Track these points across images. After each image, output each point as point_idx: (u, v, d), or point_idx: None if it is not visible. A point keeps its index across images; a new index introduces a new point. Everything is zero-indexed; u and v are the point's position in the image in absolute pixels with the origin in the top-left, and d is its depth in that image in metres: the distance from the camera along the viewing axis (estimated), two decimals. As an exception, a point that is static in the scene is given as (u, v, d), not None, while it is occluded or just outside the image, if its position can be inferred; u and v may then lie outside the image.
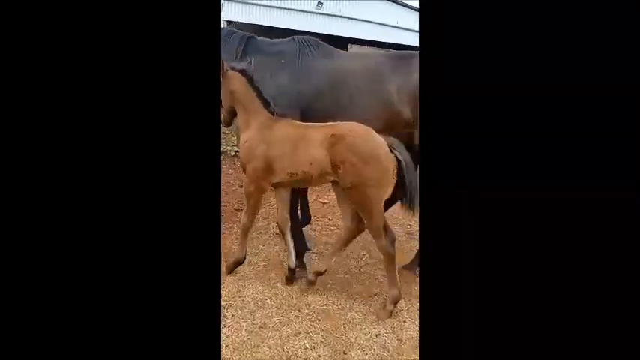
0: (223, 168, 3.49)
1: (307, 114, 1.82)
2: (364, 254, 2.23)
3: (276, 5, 10.79)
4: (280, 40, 2.03)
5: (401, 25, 11.70)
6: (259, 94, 1.72)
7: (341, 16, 11.15)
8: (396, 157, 1.53)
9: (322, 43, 1.98)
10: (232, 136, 4.40)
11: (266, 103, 1.71)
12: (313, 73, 1.85)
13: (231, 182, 3.21)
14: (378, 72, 1.81)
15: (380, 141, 1.53)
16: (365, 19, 11.39)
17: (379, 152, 1.49)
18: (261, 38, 2.01)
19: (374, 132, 1.55)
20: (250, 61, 1.85)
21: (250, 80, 1.72)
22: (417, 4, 11.41)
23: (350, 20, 11.28)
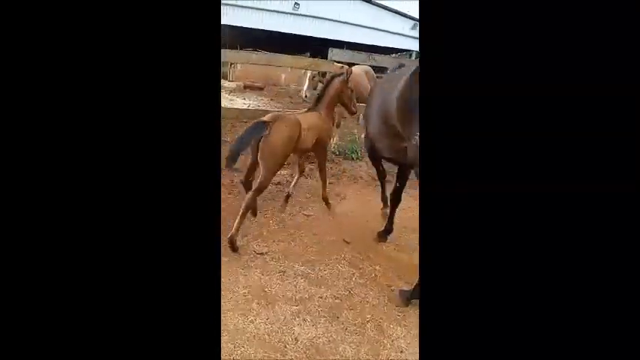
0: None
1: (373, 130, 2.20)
2: (353, 273, 2.07)
3: (252, 6, 10.49)
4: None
5: (382, 27, 11.72)
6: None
7: (318, 17, 11.03)
8: None
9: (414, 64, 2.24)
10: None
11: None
12: (383, 91, 2.09)
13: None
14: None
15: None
16: (342, 20, 11.33)
17: None
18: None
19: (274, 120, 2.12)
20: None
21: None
22: (394, 6, 11.47)
23: (327, 21, 11.18)
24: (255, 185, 2.11)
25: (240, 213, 2.05)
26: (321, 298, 1.82)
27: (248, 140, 2.05)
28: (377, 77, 4.87)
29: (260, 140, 2.04)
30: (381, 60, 4.24)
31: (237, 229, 2.07)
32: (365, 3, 11.43)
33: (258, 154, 2.08)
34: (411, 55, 11.93)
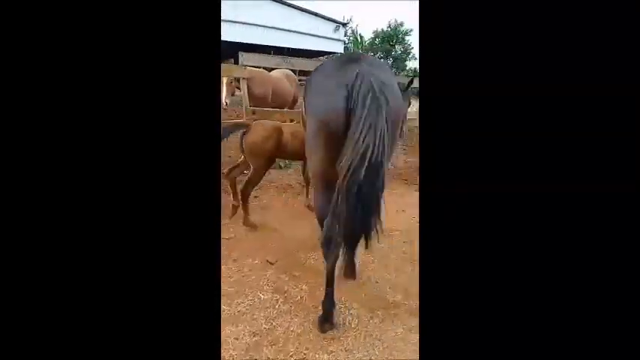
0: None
1: None
2: (277, 299, 1.86)
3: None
4: None
5: (305, 31, 11.76)
6: None
7: (239, 22, 10.66)
8: None
9: None
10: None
11: None
12: None
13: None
14: None
15: None
16: (265, 24, 11.12)
17: None
18: None
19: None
20: None
21: None
22: (307, 6, 11.58)
23: (248, 26, 10.88)
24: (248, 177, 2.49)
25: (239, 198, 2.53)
26: (237, 339, 1.57)
27: (225, 134, 2.37)
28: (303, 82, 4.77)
29: (242, 139, 2.42)
30: (299, 63, 4.12)
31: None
32: (287, 7, 11.38)
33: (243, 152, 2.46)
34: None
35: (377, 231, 1.34)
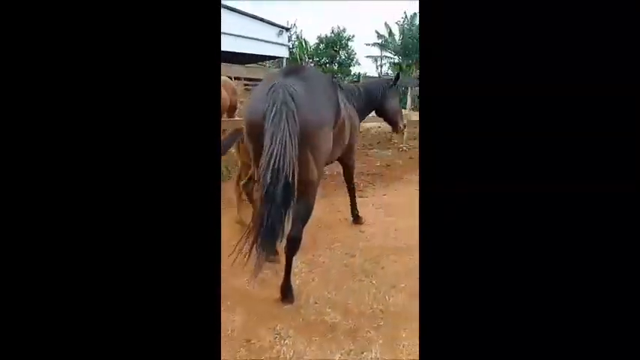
0: None
1: None
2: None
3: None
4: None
5: (248, 35, 11.44)
6: None
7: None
8: None
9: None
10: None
11: None
12: None
13: None
14: None
15: None
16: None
17: None
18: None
19: None
20: None
21: None
22: (249, 10, 11.33)
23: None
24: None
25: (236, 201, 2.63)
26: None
27: (228, 144, 2.56)
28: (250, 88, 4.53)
29: (239, 146, 2.59)
30: (233, 70, 3.92)
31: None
32: (228, 10, 10.98)
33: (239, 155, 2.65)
34: (281, 63, 12.06)
35: (282, 235, 1.47)
